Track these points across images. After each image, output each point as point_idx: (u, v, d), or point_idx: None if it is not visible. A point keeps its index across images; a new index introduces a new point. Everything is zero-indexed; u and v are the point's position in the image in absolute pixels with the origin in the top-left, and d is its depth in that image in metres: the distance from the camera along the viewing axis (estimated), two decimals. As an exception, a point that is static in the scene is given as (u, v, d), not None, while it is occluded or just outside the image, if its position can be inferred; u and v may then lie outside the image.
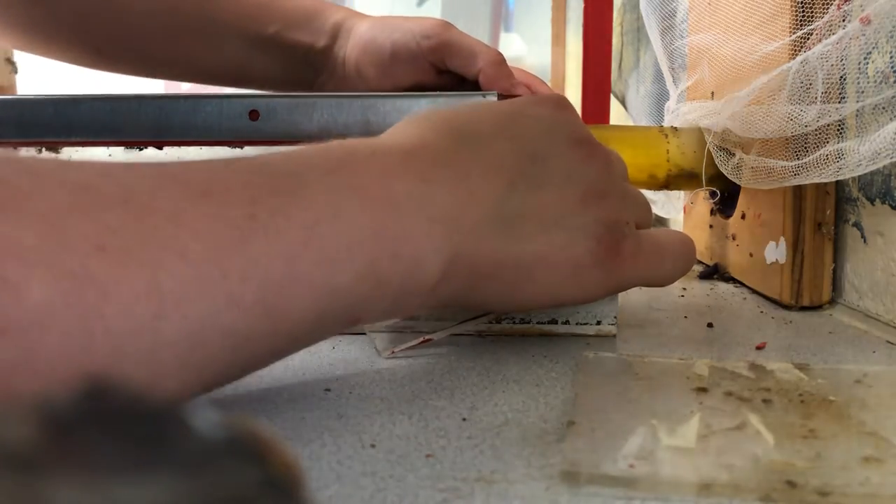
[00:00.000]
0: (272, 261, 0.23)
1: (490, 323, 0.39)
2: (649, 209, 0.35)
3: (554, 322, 0.39)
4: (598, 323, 0.39)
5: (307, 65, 0.60)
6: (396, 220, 0.26)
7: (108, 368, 0.19)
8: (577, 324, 0.39)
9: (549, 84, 0.62)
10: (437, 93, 0.50)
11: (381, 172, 0.27)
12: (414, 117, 0.32)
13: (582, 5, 0.87)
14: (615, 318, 0.39)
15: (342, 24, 0.60)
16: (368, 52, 0.57)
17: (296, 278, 0.23)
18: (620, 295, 0.39)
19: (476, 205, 0.29)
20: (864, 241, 0.43)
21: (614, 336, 0.39)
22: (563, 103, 0.34)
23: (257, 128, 0.42)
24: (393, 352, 0.36)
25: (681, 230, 0.68)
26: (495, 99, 0.49)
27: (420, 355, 0.36)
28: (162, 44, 0.60)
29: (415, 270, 0.27)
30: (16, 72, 1.05)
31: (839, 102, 0.41)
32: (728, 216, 0.55)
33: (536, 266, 0.30)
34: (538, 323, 0.39)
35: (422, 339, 0.37)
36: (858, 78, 0.41)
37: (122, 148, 0.41)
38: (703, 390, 0.29)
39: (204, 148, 0.41)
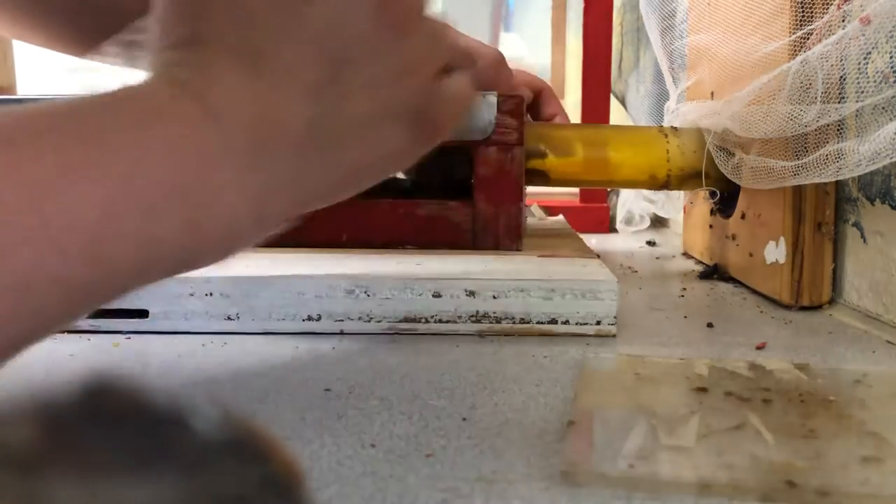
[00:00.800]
0: (91, 209, 0.22)
1: (491, 323, 0.39)
2: (444, 54, 0.32)
3: (554, 322, 0.39)
4: (598, 323, 0.39)
5: None
6: (205, 173, 0.25)
7: None
8: (577, 324, 0.39)
9: (549, 84, 0.62)
10: None
11: (184, 122, 0.26)
12: (190, 36, 0.28)
13: (582, 5, 0.87)
14: (615, 318, 0.39)
15: None
16: None
17: (117, 228, 0.23)
18: (620, 295, 0.39)
19: (283, 133, 0.27)
20: (864, 241, 0.43)
21: (614, 336, 0.39)
22: None
23: None
24: None
25: (681, 230, 0.68)
26: (495, 100, 0.49)
27: (418, 354, 0.36)
28: None
29: (232, 217, 0.26)
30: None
31: (839, 102, 0.41)
32: (728, 216, 0.55)
33: (358, 170, 0.30)
34: (538, 323, 0.39)
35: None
36: (858, 78, 0.41)
37: None
38: (703, 390, 0.29)
39: None
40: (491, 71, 0.51)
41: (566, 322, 0.39)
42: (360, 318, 0.40)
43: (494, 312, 0.39)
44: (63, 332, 0.36)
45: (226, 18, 0.28)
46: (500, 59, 0.52)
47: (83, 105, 0.25)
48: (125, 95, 0.26)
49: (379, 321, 0.39)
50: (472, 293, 0.39)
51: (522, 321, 0.39)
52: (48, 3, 0.59)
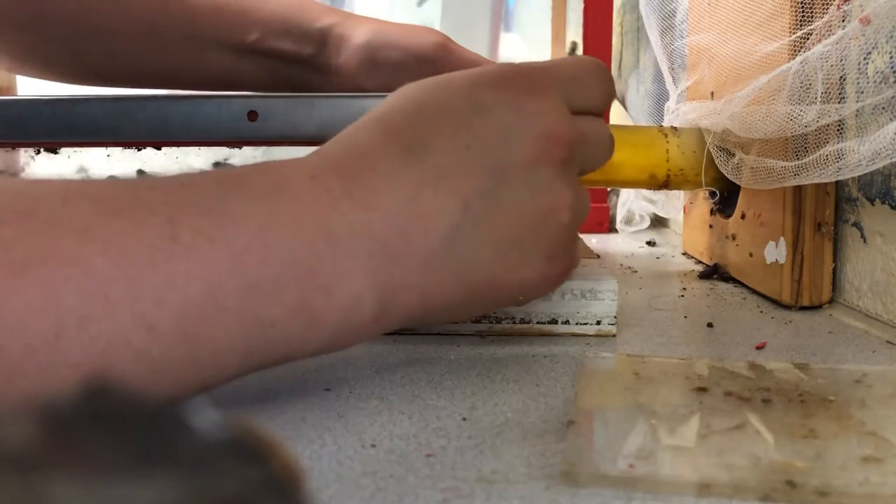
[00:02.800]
0: (192, 285, 0.21)
1: (491, 323, 0.39)
2: (589, 206, 0.33)
3: (554, 322, 0.39)
4: (598, 323, 0.39)
5: (297, 71, 0.59)
6: (332, 255, 0.24)
7: (4, 387, 0.18)
8: (577, 324, 0.39)
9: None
10: None
11: (319, 201, 0.25)
12: (364, 123, 0.29)
13: (582, 5, 0.87)
14: (615, 317, 0.39)
15: (330, 31, 0.59)
16: (365, 68, 0.57)
17: (219, 307, 0.22)
18: (620, 295, 0.39)
19: (424, 232, 0.26)
20: (864, 241, 0.43)
21: (614, 336, 0.39)
22: (532, 85, 0.30)
23: (256, 128, 0.42)
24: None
25: (681, 230, 0.68)
26: None
27: (418, 354, 0.36)
28: (149, 61, 0.61)
29: (352, 307, 0.25)
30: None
31: (839, 102, 0.41)
32: (728, 216, 0.55)
33: (486, 290, 0.29)
34: (538, 323, 0.39)
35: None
36: (858, 78, 0.41)
37: (120, 148, 0.42)
38: (703, 390, 0.29)
39: (203, 148, 0.42)
40: None
41: (566, 322, 0.39)
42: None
43: (494, 312, 0.39)
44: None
45: (405, 110, 0.28)
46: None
47: (206, 177, 0.24)
48: (258, 171, 0.25)
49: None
50: None
51: (522, 321, 0.39)
52: (48, 44, 0.60)
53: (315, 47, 0.59)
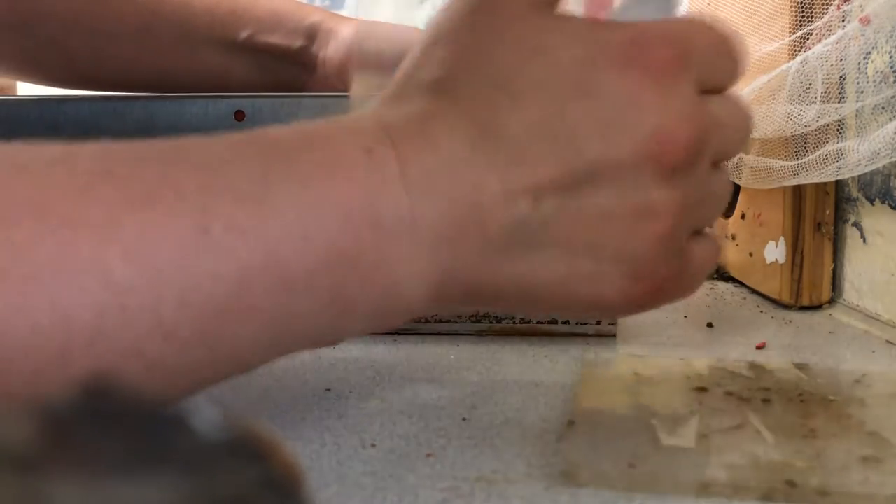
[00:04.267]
0: (219, 286, 0.19)
1: (491, 323, 0.39)
2: (725, 202, 0.27)
3: (554, 322, 0.39)
4: (598, 323, 0.39)
5: (286, 67, 0.61)
6: (375, 244, 0.22)
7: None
8: (577, 324, 0.39)
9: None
10: None
11: (370, 183, 0.22)
12: (425, 82, 0.24)
13: (582, 5, 0.86)
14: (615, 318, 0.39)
15: (319, 26, 0.60)
16: (354, 60, 0.58)
17: (246, 305, 0.20)
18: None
19: (483, 224, 0.23)
20: (864, 241, 0.43)
21: (614, 336, 0.39)
22: (666, 64, 0.24)
23: (243, 128, 0.42)
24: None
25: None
26: None
27: (418, 354, 0.36)
28: (141, 63, 0.62)
29: (390, 296, 0.22)
30: None
31: (839, 102, 0.41)
32: (728, 216, 0.55)
33: (547, 296, 0.24)
34: (538, 323, 0.39)
35: None
36: (858, 78, 0.41)
37: None
38: (703, 390, 0.29)
39: None
40: None
41: (566, 322, 0.39)
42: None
43: (494, 312, 0.39)
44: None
45: (487, 76, 0.24)
46: None
47: (248, 150, 0.22)
48: (307, 142, 0.22)
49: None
50: None
51: (522, 321, 0.39)
52: (41, 49, 0.60)
53: (305, 40, 0.60)
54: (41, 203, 0.18)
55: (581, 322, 0.39)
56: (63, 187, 0.19)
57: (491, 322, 0.39)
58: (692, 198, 0.24)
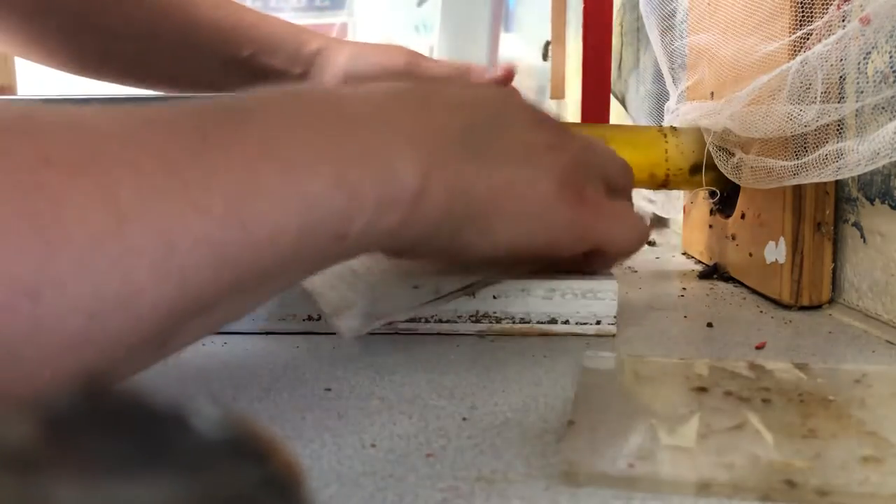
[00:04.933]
0: (233, 170, 0.22)
1: (491, 323, 0.39)
2: (624, 171, 0.37)
3: (554, 322, 0.39)
4: (598, 323, 0.39)
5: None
6: (356, 135, 0.26)
7: (75, 283, 0.19)
8: (577, 324, 0.39)
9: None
10: None
11: (334, 100, 0.27)
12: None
13: (582, 5, 0.87)
14: (615, 317, 0.39)
15: (319, 54, 0.65)
16: (345, 82, 0.63)
17: (262, 186, 0.23)
18: (620, 295, 0.39)
19: (440, 129, 0.29)
20: (864, 241, 0.43)
21: (614, 336, 0.39)
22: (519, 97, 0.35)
23: None
24: (357, 336, 0.37)
25: (681, 230, 0.68)
26: None
27: (418, 354, 0.36)
28: (146, 63, 0.66)
29: (388, 179, 0.26)
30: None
31: (839, 102, 0.41)
32: (728, 216, 0.55)
33: (506, 195, 0.31)
34: (538, 323, 0.39)
35: (386, 319, 0.38)
36: (858, 78, 0.41)
37: None
38: (702, 390, 0.29)
39: None
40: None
41: (566, 322, 0.39)
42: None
43: (494, 312, 0.39)
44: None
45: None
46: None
47: (223, 98, 0.25)
48: (264, 89, 0.27)
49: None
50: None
51: (522, 321, 0.39)
52: (45, 25, 0.62)
53: (304, 67, 0.65)
54: (68, 120, 0.21)
55: (581, 322, 0.39)
56: (76, 113, 0.22)
57: (491, 322, 0.39)
58: (582, 150, 0.34)
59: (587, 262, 0.37)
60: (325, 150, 0.25)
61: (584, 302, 0.39)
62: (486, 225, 0.31)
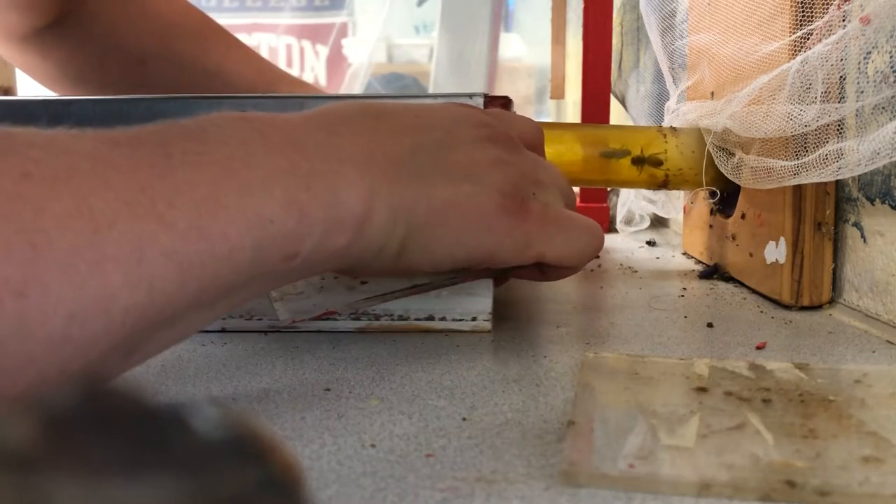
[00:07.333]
0: (195, 188, 0.24)
1: (370, 320, 0.40)
2: (570, 192, 0.37)
3: (431, 318, 0.40)
4: (474, 319, 0.40)
5: None
6: (305, 160, 0.27)
7: (57, 284, 0.20)
8: (453, 320, 0.40)
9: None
10: (426, 93, 0.51)
11: (285, 126, 0.28)
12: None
13: (582, 5, 0.87)
14: (490, 313, 0.39)
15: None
16: None
17: (222, 204, 0.24)
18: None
19: (386, 154, 0.31)
20: (864, 241, 0.43)
21: (489, 332, 0.39)
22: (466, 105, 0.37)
23: None
24: (293, 321, 0.38)
25: (681, 230, 0.68)
26: (482, 100, 0.49)
27: (419, 354, 0.36)
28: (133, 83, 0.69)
29: (334, 203, 0.28)
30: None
31: (839, 102, 0.41)
32: (728, 216, 0.55)
33: (445, 212, 0.32)
34: (416, 319, 0.40)
35: (325, 310, 0.38)
36: (858, 78, 0.41)
37: None
38: (703, 390, 0.29)
39: None
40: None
41: (443, 318, 0.40)
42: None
43: (374, 309, 0.40)
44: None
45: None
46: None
47: (180, 122, 0.27)
48: (217, 114, 0.28)
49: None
50: (353, 289, 0.39)
51: (401, 318, 0.40)
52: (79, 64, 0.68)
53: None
54: (43, 141, 0.22)
55: (457, 318, 0.40)
56: (50, 136, 0.23)
57: (370, 319, 0.40)
58: (526, 164, 0.35)
59: (543, 273, 0.37)
60: (277, 173, 0.26)
61: (459, 299, 0.40)
62: (427, 242, 0.32)
